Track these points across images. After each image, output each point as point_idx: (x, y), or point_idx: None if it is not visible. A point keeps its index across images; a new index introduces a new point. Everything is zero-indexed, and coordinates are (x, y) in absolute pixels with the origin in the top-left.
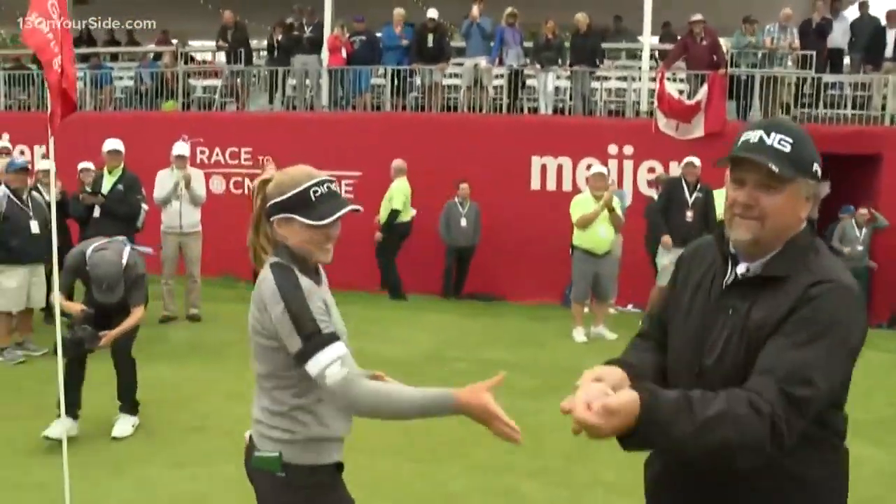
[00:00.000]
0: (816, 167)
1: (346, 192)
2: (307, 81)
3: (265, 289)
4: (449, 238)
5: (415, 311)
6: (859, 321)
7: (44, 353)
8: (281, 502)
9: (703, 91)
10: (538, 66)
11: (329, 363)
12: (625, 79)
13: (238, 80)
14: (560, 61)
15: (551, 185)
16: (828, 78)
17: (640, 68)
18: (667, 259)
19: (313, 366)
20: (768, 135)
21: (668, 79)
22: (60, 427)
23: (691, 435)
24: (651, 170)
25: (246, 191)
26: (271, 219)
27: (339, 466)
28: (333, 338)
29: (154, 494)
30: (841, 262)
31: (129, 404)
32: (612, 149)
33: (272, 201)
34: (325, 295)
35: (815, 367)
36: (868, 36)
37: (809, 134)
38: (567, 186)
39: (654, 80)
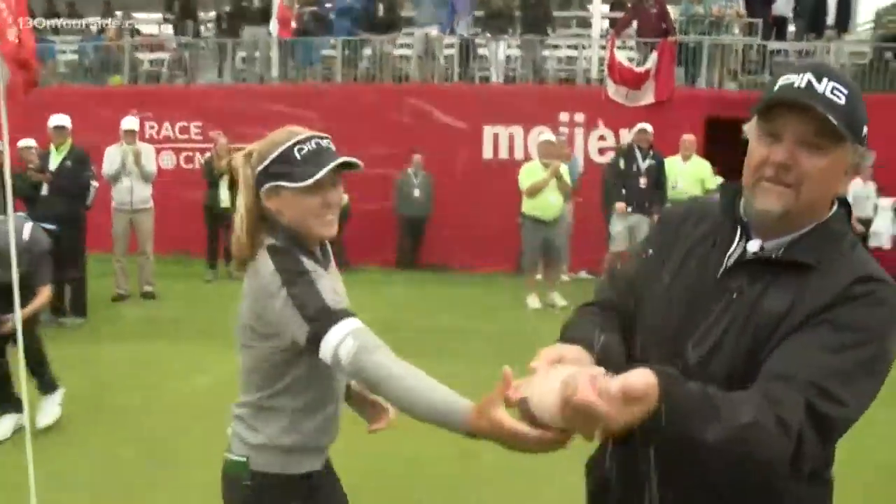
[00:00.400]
0: (866, 130)
1: None
2: (257, 53)
3: (263, 276)
4: (402, 209)
5: (369, 282)
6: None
7: None
8: None
9: (652, 58)
10: (489, 35)
11: (339, 342)
12: (575, 47)
13: (186, 53)
14: (511, 30)
15: (504, 154)
16: (773, 45)
17: (590, 36)
18: (620, 225)
19: (325, 349)
20: (819, 80)
21: (618, 47)
22: (5, 426)
23: (717, 443)
24: (602, 137)
25: (197, 165)
26: (259, 192)
27: (315, 475)
28: (344, 314)
29: (120, 472)
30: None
31: (45, 384)
32: (564, 116)
33: (256, 172)
34: (336, 282)
35: (849, 383)
36: (811, 4)
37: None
38: (519, 155)
39: (604, 48)
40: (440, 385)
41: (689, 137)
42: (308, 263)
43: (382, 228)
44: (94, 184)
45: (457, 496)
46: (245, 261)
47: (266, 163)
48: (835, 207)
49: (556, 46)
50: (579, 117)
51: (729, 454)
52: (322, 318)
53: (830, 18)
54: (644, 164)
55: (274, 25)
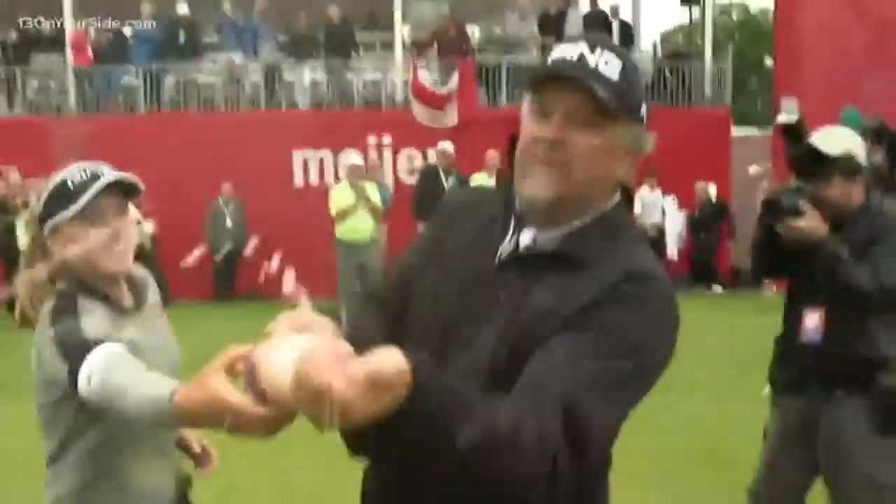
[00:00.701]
0: (645, 108)
1: None
2: (51, 83)
3: (42, 323)
4: (215, 240)
5: (184, 316)
6: (671, 341)
7: None
8: None
9: (454, 79)
10: (293, 59)
11: (89, 371)
12: (380, 70)
13: None
14: (315, 54)
15: (314, 179)
16: None
17: (393, 59)
18: None
19: (80, 384)
20: (592, 51)
21: (421, 67)
22: None
23: (468, 447)
24: (410, 158)
25: None
26: (44, 239)
27: None
28: (100, 343)
29: None
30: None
31: None
32: (372, 139)
33: (35, 217)
34: (143, 325)
35: (610, 394)
36: (596, 28)
37: None
38: (329, 179)
39: (408, 70)
40: (162, 378)
41: (492, 153)
42: (83, 303)
43: (196, 260)
44: None
45: None
46: (30, 315)
47: (42, 204)
48: (616, 196)
49: (361, 69)
50: (386, 139)
51: (479, 464)
52: (78, 352)
53: (615, 39)
54: (447, 183)
55: (69, 53)
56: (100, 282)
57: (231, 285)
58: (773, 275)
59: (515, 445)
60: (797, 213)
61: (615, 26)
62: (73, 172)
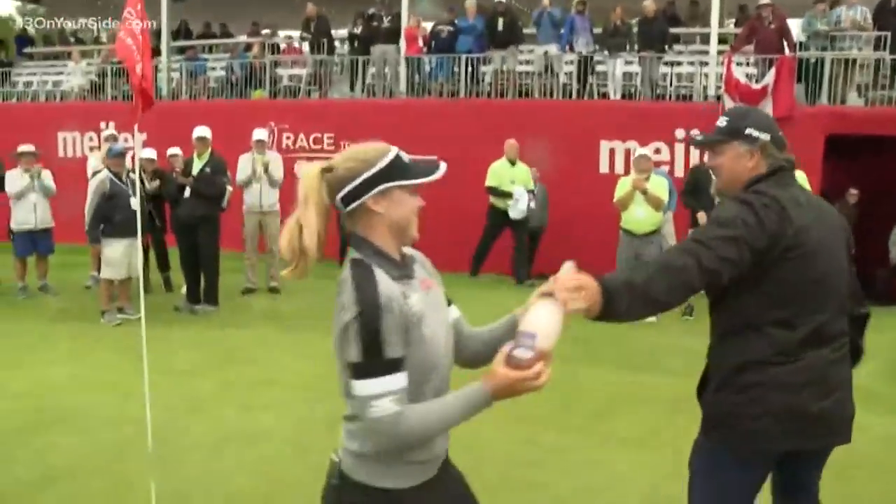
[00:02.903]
0: (750, 131)
1: None
2: (386, 69)
3: (343, 290)
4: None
5: (486, 289)
6: (741, 215)
7: (139, 318)
8: None
9: (770, 75)
10: (607, 52)
11: (381, 393)
12: (694, 63)
13: (321, 69)
14: (628, 47)
15: (619, 169)
16: None
17: (707, 52)
18: None
19: (362, 387)
20: (719, 119)
21: (737, 63)
22: None
23: (648, 280)
24: None
25: None
26: (361, 200)
27: (398, 493)
28: (396, 366)
29: (225, 430)
30: (770, 196)
31: None
32: (680, 133)
33: (360, 179)
34: (414, 292)
35: (706, 231)
36: None
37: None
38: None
39: (722, 64)
40: (448, 396)
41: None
42: (385, 284)
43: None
44: (229, 188)
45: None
46: (308, 268)
47: (377, 168)
48: (757, 172)
49: (675, 63)
50: (695, 133)
51: (662, 284)
52: (374, 358)
53: None
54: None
55: (403, 44)
56: (399, 245)
57: (531, 264)
58: None
59: (672, 259)
60: None
61: None
62: (400, 150)
